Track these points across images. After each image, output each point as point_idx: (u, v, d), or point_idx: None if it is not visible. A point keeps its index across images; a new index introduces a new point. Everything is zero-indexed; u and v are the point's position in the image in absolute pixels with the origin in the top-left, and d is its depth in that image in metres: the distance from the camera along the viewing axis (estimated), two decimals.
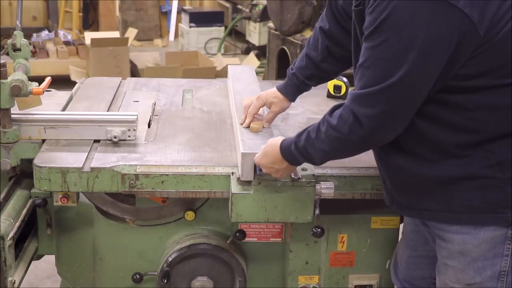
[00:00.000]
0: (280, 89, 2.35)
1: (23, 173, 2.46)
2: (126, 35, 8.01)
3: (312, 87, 2.38)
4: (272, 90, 2.37)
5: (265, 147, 2.06)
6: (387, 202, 2.09)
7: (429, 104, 1.81)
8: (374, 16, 1.71)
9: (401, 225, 2.42)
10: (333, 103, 2.93)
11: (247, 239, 2.47)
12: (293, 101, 2.38)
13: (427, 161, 1.88)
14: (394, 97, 1.74)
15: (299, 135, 1.97)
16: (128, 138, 2.37)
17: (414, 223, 2.21)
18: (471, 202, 1.86)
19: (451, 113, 1.81)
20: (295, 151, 1.96)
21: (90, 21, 9.01)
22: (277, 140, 2.04)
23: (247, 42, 8.88)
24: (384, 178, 2.04)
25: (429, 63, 1.70)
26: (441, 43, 1.67)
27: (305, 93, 2.40)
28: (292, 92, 2.34)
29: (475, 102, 1.79)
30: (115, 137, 2.34)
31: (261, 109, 2.39)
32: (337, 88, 2.96)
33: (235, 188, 2.14)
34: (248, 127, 2.34)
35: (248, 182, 2.13)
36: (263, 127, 2.35)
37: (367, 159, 2.25)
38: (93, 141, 2.37)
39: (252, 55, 7.90)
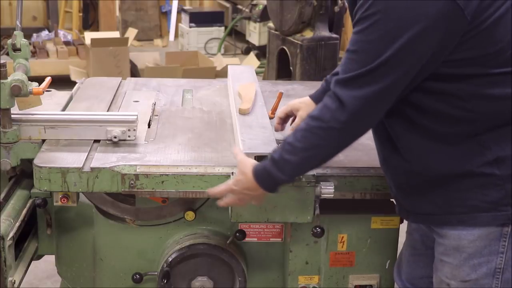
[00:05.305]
0: (310, 95, 2.40)
1: (23, 173, 2.46)
2: (126, 35, 8.01)
3: None
4: (303, 98, 2.42)
5: (237, 175, 2.03)
6: (397, 211, 2.09)
7: (425, 96, 1.81)
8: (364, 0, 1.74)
9: (401, 225, 2.42)
10: None
11: (247, 239, 2.47)
12: None
13: None
14: (381, 79, 1.73)
15: (273, 151, 1.95)
16: (128, 138, 2.37)
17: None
18: (472, 202, 1.85)
19: (445, 104, 1.80)
20: (271, 166, 1.90)
21: (90, 21, 9.02)
22: (249, 165, 1.98)
23: (247, 42, 8.88)
24: (389, 183, 2.04)
25: (417, 46, 1.70)
26: (429, 27, 1.68)
27: None
28: (320, 98, 2.30)
29: (468, 92, 1.78)
30: (115, 137, 2.34)
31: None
32: None
33: None
34: (280, 129, 2.46)
35: None
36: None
37: (367, 159, 2.25)
38: (93, 141, 2.37)
39: (252, 55, 7.89)
